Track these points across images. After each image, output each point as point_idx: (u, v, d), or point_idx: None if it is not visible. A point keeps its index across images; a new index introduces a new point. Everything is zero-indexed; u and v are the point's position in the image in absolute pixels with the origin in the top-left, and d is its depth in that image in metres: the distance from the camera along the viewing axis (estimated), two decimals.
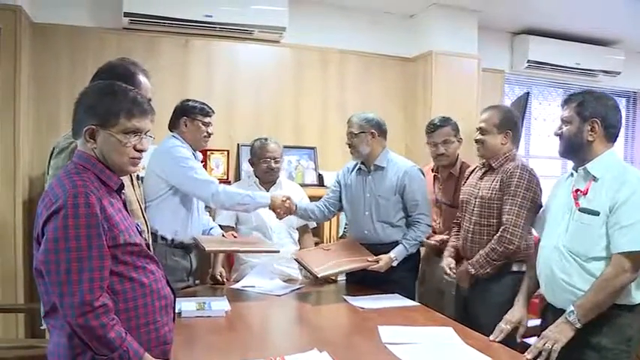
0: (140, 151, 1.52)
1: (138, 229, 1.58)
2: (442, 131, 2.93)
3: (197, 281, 2.88)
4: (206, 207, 2.90)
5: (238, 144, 3.82)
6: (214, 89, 3.77)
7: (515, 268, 2.37)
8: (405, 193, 2.73)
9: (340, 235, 3.73)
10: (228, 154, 3.79)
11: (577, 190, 1.95)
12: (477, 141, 2.49)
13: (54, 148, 1.91)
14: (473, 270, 2.38)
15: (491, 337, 2.00)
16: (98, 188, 1.44)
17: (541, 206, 2.31)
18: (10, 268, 3.08)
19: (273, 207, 2.73)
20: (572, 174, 2.04)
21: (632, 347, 1.89)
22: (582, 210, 1.90)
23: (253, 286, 2.72)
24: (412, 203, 2.74)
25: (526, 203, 2.29)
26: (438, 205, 3.00)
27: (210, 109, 2.76)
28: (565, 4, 4.07)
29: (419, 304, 2.50)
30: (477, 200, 2.45)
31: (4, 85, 3.07)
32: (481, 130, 2.47)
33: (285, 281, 2.86)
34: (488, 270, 2.35)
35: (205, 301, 2.29)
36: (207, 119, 2.73)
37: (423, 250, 2.96)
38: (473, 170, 2.65)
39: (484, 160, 2.52)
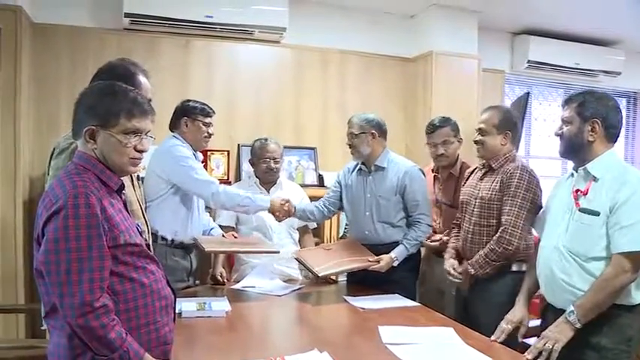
0: (140, 151, 1.52)
1: (138, 230, 1.58)
2: (441, 132, 2.93)
3: (197, 281, 2.89)
4: (206, 207, 2.90)
5: (239, 144, 3.82)
6: (215, 90, 3.77)
7: (515, 267, 2.37)
8: (406, 194, 2.73)
9: (341, 235, 3.73)
10: (228, 154, 3.79)
11: (577, 191, 1.95)
12: (476, 142, 2.49)
13: (54, 149, 1.91)
14: (472, 270, 2.38)
15: (493, 338, 2.00)
16: (98, 189, 1.44)
17: (541, 207, 2.31)
18: (11, 269, 3.08)
19: (272, 210, 2.73)
20: (572, 174, 2.04)
21: (633, 347, 1.89)
22: (582, 210, 1.90)
23: (254, 287, 2.72)
24: (413, 203, 2.74)
25: (525, 204, 2.30)
26: (438, 206, 3.00)
27: (211, 109, 2.76)
28: (565, 4, 4.07)
29: (419, 304, 2.49)
30: (477, 201, 2.45)
31: (5, 86, 3.08)
32: (480, 131, 2.47)
33: (285, 281, 2.86)
34: (487, 270, 2.35)
35: (206, 301, 2.28)
36: (207, 119, 2.73)
37: (423, 250, 2.96)
38: (473, 171, 2.65)
39: (484, 161, 2.52)
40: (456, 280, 2.45)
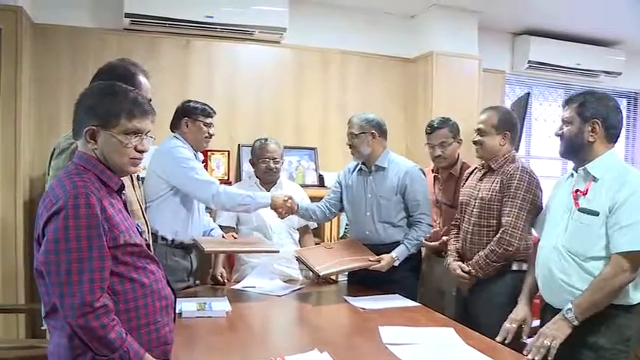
0: (141, 151, 1.53)
1: (138, 230, 1.58)
2: (439, 133, 2.93)
3: (197, 281, 2.89)
4: (207, 208, 2.90)
5: (239, 144, 3.82)
6: (215, 90, 3.77)
7: (515, 267, 2.37)
8: (406, 193, 2.73)
9: (341, 235, 3.73)
10: (228, 154, 3.79)
11: (577, 191, 1.95)
12: (475, 142, 2.50)
13: (54, 149, 1.91)
14: (473, 272, 2.38)
15: (498, 339, 1.99)
16: (99, 189, 1.44)
17: (541, 208, 2.31)
18: (11, 269, 3.09)
19: (274, 207, 2.73)
20: (572, 174, 2.04)
21: (631, 347, 1.89)
22: (582, 210, 1.91)
23: (254, 287, 2.72)
24: (413, 203, 2.74)
25: (525, 205, 2.30)
26: (438, 206, 3.00)
27: (212, 109, 2.76)
28: (566, 4, 4.06)
29: (419, 304, 2.49)
30: (477, 201, 2.45)
31: (5, 86, 3.08)
32: (479, 132, 2.48)
33: (285, 282, 2.86)
34: (488, 271, 2.35)
35: (206, 301, 2.28)
36: (208, 120, 2.73)
37: (423, 250, 2.96)
38: (472, 172, 2.65)
39: (483, 162, 2.53)
40: (466, 282, 2.44)
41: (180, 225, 2.63)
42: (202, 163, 2.79)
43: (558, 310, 1.92)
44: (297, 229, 3.16)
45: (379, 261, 2.62)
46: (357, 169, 2.88)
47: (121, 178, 1.56)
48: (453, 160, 2.96)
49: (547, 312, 2.05)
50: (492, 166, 2.45)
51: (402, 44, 4.27)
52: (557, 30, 4.62)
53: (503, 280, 2.36)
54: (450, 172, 2.97)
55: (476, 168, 2.63)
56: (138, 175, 2.14)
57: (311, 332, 2.14)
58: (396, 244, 2.70)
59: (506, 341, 1.99)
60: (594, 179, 1.92)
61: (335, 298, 2.67)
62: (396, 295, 2.57)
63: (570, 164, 2.11)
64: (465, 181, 2.66)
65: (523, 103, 4.46)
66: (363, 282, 2.76)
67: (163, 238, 2.57)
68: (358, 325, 2.22)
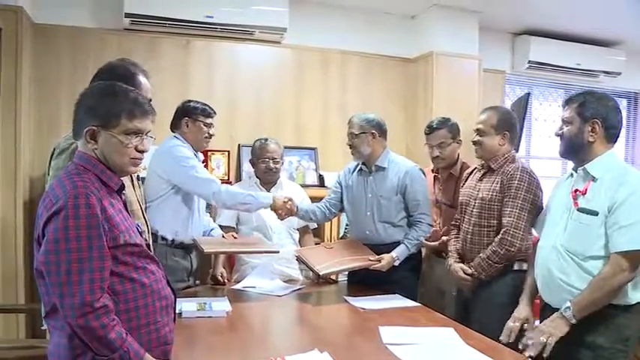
0: (141, 151, 1.53)
1: (138, 230, 1.58)
2: (437, 134, 2.93)
3: (198, 281, 2.89)
4: (207, 208, 2.90)
5: (239, 144, 3.82)
6: (215, 90, 3.77)
7: (515, 266, 2.37)
8: (407, 193, 2.73)
9: (341, 235, 3.73)
10: (229, 154, 3.79)
11: (576, 191, 1.96)
12: (474, 142, 2.50)
13: (54, 149, 1.91)
14: (475, 273, 2.38)
15: (502, 338, 1.99)
16: (99, 189, 1.44)
17: (541, 208, 2.32)
18: (11, 269, 3.09)
19: (274, 208, 2.73)
20: (571, 174, 2.05)
21: (630, 347, 1.89)
22: (581, 210, 1.92)
23: (254, 287, 2.72)
24: (413, 203, 2.74)
25: (526, 205, 2.30)
26: (438, 206, 3.00)
27: (212, 109, 2.76)
28: (566, 4, 4.06)
29: (420, 304, 2.49)
30: (477, 202, 2.46)
31: (6, 86, 3.08)
32: (479, 132, 2.48)
33: (285, 282, 2.86)
34: (490, 272, 2.35)
35: (206, 301, 2.28)
36: (208, 120, 2.73)
37: (423, 250, 2.96)
38: (471, 172, 2.65)
39: (483, 162, 2.53)
40: (468, 284, 2.44)
41: (181, 225, 2.63)
42: (202, 163, 2.78)
43: (557, 310, 1.92)
44: (297, 230, 3.16)
45: (379, 261, 2.62)
46: (358, 169, 2.88)
47: (121, 178, 1.56)
48: (451, 160, 2.96)
49: (546, 312, 2.05)
50: (492, 166, 2.46)
51: (402, 44, 4.27)
52: (557, 30, 4.62)
53: (504, 280, 2.36)
54: (449, 172, 2.97)
55: (475, 168, 2.63)
56: (138, 175, 2.14)
57: (311, 332, 2.14)
58: (397, 244, 2.70)
59: (510, 340, 1.99)
60: (593, 179, 1.92)
61: (335, 298, 2.67)
62: (396, 295, 2.57)
63: (570, 164, 2.12)
64: (465, 181, 2.66)
65: (523, 103, 4.46)
66: (363, 282, 2.76)
67: (163, 238, 2.57)
68: (358, 325, 2.22)
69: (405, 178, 2.73)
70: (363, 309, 2.36)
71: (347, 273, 2.91)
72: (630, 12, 4.14)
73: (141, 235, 1.57)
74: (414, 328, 2.07)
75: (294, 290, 2.70)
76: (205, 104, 2.76)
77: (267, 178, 3.09)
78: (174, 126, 2.74)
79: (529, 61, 4.63)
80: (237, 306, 2.34)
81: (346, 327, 2.26)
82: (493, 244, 2.35)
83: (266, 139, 3.11)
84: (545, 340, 1.84)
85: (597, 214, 1.86)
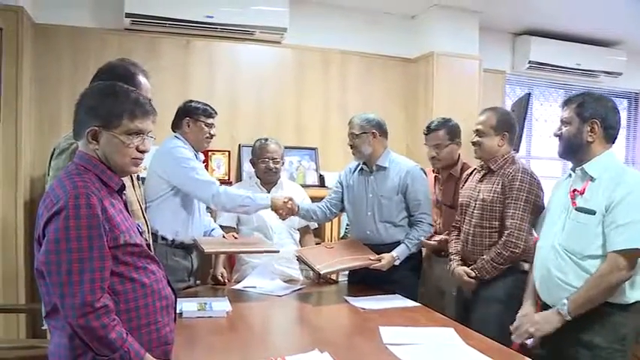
0: (142, 151, 1.53)
1: (139, 230, 1.58)
2: (434, 135, 2.93)
3: (198, 282, 2.89)
4: (207, 208, 2.90)
5: (240, 144, 3.83)
6: (216, 90, 3.77)
7: (515, 266, 2.37)
8: (408, 193, 2.74)
9: (341, 235, 3.73)
10: (229, 154, 3.79)
11: (574, 190, 1.98)
12: (474, 143, 2.50)
13: (54, 149, 1.92)
14: (480, 276, 2.38)
15: (515, 339, 2.01)
16: (99, 189, 1.44)
17: (542, 208, 2.32)
18: (12, 269, 3.09)
19: (275, 208, 2.73)
20: (570, 174, 2.06)
21: (627, 346, 1.90)
22: (579, 209, 1.93)
23: (254, 287, 2.73)
24: (414, 203, 2.74)
25: (528, 206, 2.31)
26: (438, 206, 3.00)
27: (213, 110, 2.76)
28: (566, 4, 4.06)
29: (420, 304, 2.49)
30: (478, 203, 2.46)
31: (6, 86, 3.08)
32: (478, 132, 2.48)
33: (286, 282, 2.86)
34: (494, 274, 2.36)
35: (206, 301, 2.29)
36: (209, 120, 2.73)
37: (423, 250, 2.96)
38: (471, 173, 2.65)
39: (482, 163, 2.53)
40: (471, 287, 2.44)
41: (181, 225, 2.63)
42: (203, 163, 2.79)
43: None
44: (298, 230, 3.16)
45: (380, 260, 2.62)
46: (358, 169, 2.88)
47: (122, 178, 1.57)
48: (449, 161, 2.96)
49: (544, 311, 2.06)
50: (492, 167, 2.46)
51: (403, 44, 4.27)
52: (557, 30, 4.62)
53: (504, 279, 2.36)
54: (450, 172, 2.97)
55: (475, 169, 2.64)
56: (138, 175, 2.15)
57: (311, 332, 2.15)
58: (397, 243, 2.70)
59: (521, 340, 2.00)
60: (592, 179, 1.94)
61: (335, 298, 2.67)
62: (396, 295, 2.57)
63: (570, 164, 2.12)
64: (464, 182, 2.66)
65: (523, 103, 4.46)
66: (363, 282, 2.76)
67: (163, 238, 2.57)
68: (358, 325, 2.22)
69: (406, 178, 2.73)
70: (363, 309, 2.36)
71: (347, 273, 2.91)
72: (631, 12, 4.13)
73: (141, 235, 1.57)
74: (414, 328, 2.07)
75: (295, 290, 2.70)
76: (207, 104, 2.76)
77: (268, 178, 3.09)
78: (176, 126, 2.74)
79: (529, 62, 4.63)
80: (237, 306, 2.34)
81: (346, 327, 2.26)
82: (497, 246, 2.35)
83: (266, 139, 3.12)
84: (532, 331, 1.90)
85: (595, 214, 1.87)
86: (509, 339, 2.05)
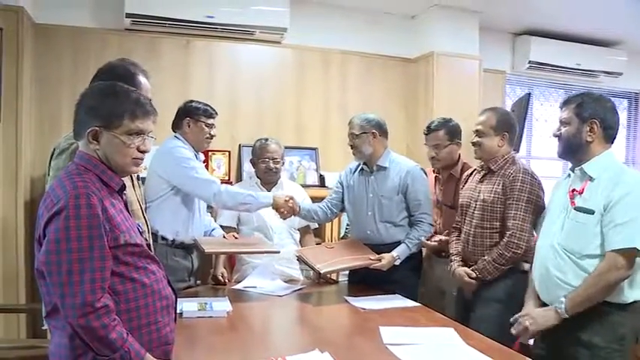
0: (143, 152, 1.53)
1: (139, 230, 1.58)
2: (433, 135, 2.93)
3: (198, 281, 2.89)
4: (208, 208, 2.90)
5: (240, 144, 3.83)
6: (216, 90, 3.77)
7: (516, 266, 2.37)
8: (408, 193, 2.74)
9: (342, 235, 3.73)
10: (229, 154, 3.79)
11: (573, 190, 1.98)
12: (474, 143, 2.50)
13: (54, 149, 1.92)
14: (481, 277, 2.38)
15: (513, 330, 2.02)
16: (100, 189, 1.44)
17: (543, 208, 2.32)
18: (12, 269, 3.09)
19: (276, 207, 2.73)
20: (569, 175, 2.06)
21: (626, 346, 1.90)
22: (577, 209, 1.94)
23: (255, 287, 2.73)
24: (415, 203, 2.74)
25: (530, 207, 2.32)
26: (438, 206, 3.00)
27: (214, 110, 2.76)
28: (566, 4, 4.06)
29: (420, 304, 2.49)
30: (478, 203, 2.45)
31: (7, 86, 3.08)
32: (478, 133, 2.49)
33: (286, 282, 2.86)
34: (495, 274, 2.36)
35: (207, 301, 2.29)
36: (210, 121, 2.73)
37: (424, 250, 2.96)
38: (470, 173, 2.65)
39: (482, 163, 2.53)
40: (473, 288, 2.44)
41: (181, 225, 2.63)
42: (203, 163, 2.79)
43: None
44: (298, 230, 3.16)
45: (380, 260, 2.62)
46: (359, 169, 2.88)
47: (122, 178, 1.57)
48: (448, 162, 2.95)
49: None
50: (492, 167, 2.46)
51: (403, 44, 4.27)
52: (557, 30, 4.62)
53: (505, 280, 2.36)
54: (450, 172, 2.97)
55: (475, 169, 2.64)
56: (138, 175, 2.15)
57: (312, 332, 2.14)
58: (398, 244, 2.70)
59: (516, 331, 2.01)
60: (591, 179, 1.94)
61: (335, 298, 2.67)
62: (397, 295, 2.57)
63: (570, 165, 2.12)
64: (464, 183, 2.66)
65: (524, 103, 4.46)
66: (363, 282, 2.76)
67: (163, 238, 2.57)
68: (359, 325, 2.22)
69: (407, 178, 2.74)
70: (364, 309, 2.36)
71: (347, 273, 2.91)
72: (631, 12, 4.13)
73: (141, 235, 1.58)
74: (414, 328, 2.07)
75: (295, 290, 2.70)
76: (207, 105, 2.76)
77: (268, 178, 3.09)
78: (176, 126, 2.74)
79: (529, 62, 4.63)
80: (237, 306, 2.34)
81: (347, 327, 2.26)
82: (499, 247, 2.35)
83: (266, 139, 3.12)
84: (527, 324, 1.92)
85: (593, 213, 1.88)
86: (510, 339, 2.05)
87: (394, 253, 2.65)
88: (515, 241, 2.30)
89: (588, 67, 4.81)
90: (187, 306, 2.20)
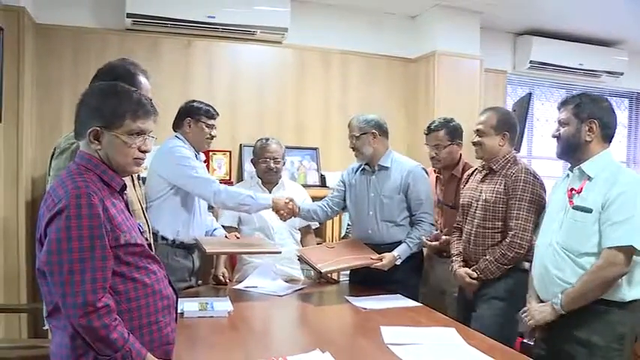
0: (144, 151, 1.53)
1: (140, 230, 1.58)
2: (434, 135, 2.93)
3: (199, 281, 2.89)
4: (209, 208, 2.90)
5: (241, 144, 3.83)
6: (217, 90, 3.77)
7: (516, 265, 2.37)
8: (409, 192, 2.74)
9: (343, 235, 3.73)
10: (230, 154, 3.79)
11: (572, 189, 1.99)
12: (474, 143, 2.50)
13: (55, 149, 1.92)
14: (483, 277, 2.38)
15: (523, 329, 2.10)
16: (100, 189, 1.44)
17: (545, 208, 2.32)
18: (13, 268, 3.09)
19: (276, 209, 2.74)
20: (567, 175, 2.07)
21: (626, 345, 1.91)
22: (576, 208, 1.95)
23: (256, 287, 2.73)
24: (416, 202, 2.74)
25: (532, 207, 2.32)
26: (439, 206, 2.99)
27: (215, 111, 2.77)
28: (568, 4, 4.06)
29: (421, 304, 2.49)
30: (480, 203, 2.45)
31: (8, 86, 3.08)
32: (479, 132, 2.49)
33: (287, 282, 2.86)
34: (497, 274, 2.35)
35: (208, 301, 2.29)
36: (211, 121, 2.73)
37: (425, 250, 2.96)
38: (471, 173, 2.65)
39: (484, 163, 2.53)
40: (474, 288, 2.44)
41: (182, 225, 2.63)
42: (204, 163, 2.79)
43: None
44: (299, 229, 3.16)
45: (381, 259, 2.62)
46: (360, 168, 2.88)
47: (123, 178, 1.57)
48: (448, 162, 2.95)
49: None
50: (493, 167, 2.46)
51: (404, 44, 4.27)
52: (559, 30, 4.62)
53: (505, 279, 2.36)
54: (451, 172, 2.96)
55: (476, 169, 2.63)
56: (139, 175, 2.15)
57: (313, 332, 2.15)
58: (399, 243, 2.70)
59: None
60: (589, 178, 1.96)
61: (336, 298, 2.67)
62: (398, 295, 2.57)
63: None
64: (465, 183, 2.66)
65: (525, 103, 4.46)
66: (364, 282, 2.76)
67: (164, 238, 2.57)
68: (360, 325, 2.22)
69: (408, 178, 2.73)
70: (365, 309, 2.36)
71: (348, 273, 2.91)
72: (633, 12, 4.13)
73: (142, 235, 1.58)
74: (415, 328, 2.07)
75: (296, 290, 2.70)
76: (209, 105, 2.76)
77: (268, 178, 3.09)
78: (177, 126, 2.75)
79: (531, 61, 4.62)
80: (238, 306, 2.34)
81: (348, 327, 2.26)
82: (501, 246, 2.35)
83: (267, 139, 3.12)
84: (525, 318, 1.97)
85: (591, 212, 1.90)
86: (511, 338, 2.06)
87: (395, 252, 2.65)
88: (518, 241, 2.30)
89: (590, 67, 4.80)
90: (188, 306, 2.20)
